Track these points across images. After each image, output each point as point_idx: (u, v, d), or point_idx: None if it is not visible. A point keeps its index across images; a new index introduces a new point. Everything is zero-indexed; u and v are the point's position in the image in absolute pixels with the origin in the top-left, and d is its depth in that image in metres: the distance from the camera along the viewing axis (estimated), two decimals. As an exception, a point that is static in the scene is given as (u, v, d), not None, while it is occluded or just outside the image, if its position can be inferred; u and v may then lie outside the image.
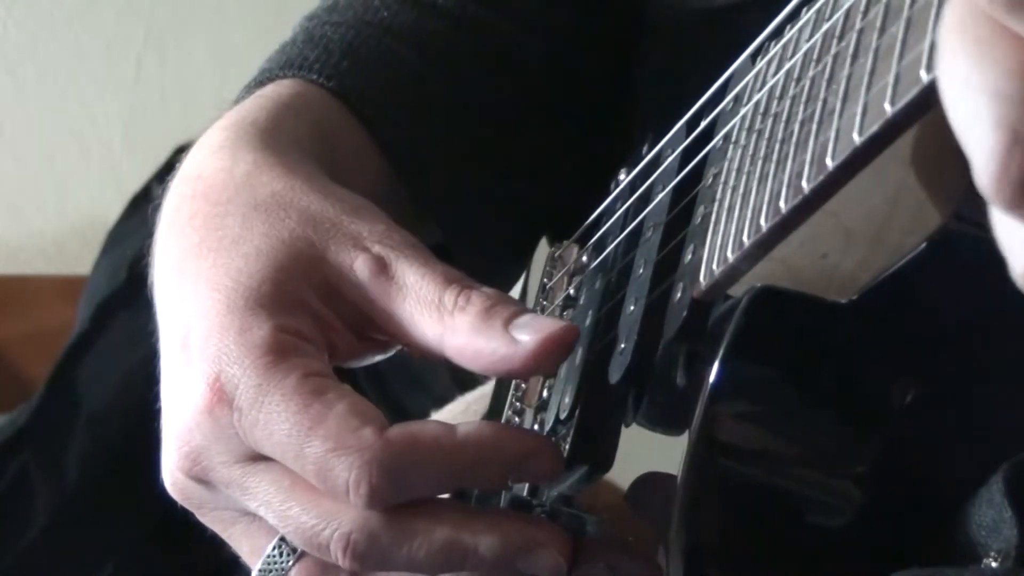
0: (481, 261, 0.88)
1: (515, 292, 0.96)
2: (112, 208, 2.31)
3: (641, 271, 0.74)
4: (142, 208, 2.22)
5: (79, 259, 2.43)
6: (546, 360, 0.71)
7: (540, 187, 0.96)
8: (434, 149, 0.89)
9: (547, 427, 0.78)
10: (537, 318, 0.72)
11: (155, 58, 2.64)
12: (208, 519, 0.77)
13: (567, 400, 0.76)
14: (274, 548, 0.74)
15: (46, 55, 2.61)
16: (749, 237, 0.60)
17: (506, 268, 0.94)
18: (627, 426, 0.72)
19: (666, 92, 0.77)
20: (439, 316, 0.72)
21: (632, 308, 0.73)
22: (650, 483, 0.69)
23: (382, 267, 0.74)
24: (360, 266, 0.74)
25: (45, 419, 2.05)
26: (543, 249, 0.95)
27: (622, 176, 0.85)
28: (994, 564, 0.60)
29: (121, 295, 2.11)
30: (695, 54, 0.74)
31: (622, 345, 0.72)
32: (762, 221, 0.59)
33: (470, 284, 0.73)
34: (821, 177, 0.54)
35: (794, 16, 0.65)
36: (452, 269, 0.74)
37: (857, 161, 0.52)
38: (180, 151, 2.47)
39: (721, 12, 0.83)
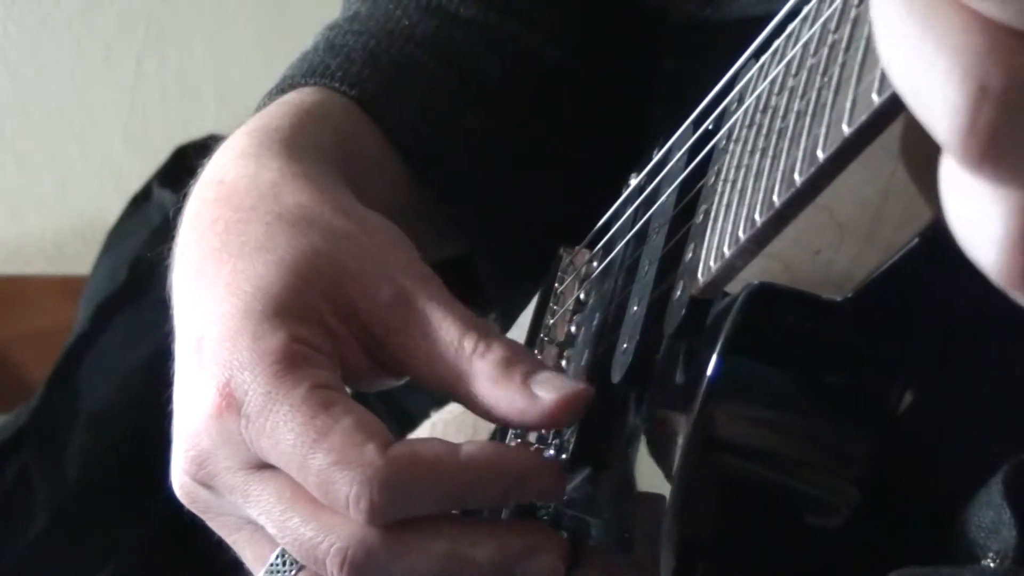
0: (503, 268, 0.88)
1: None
2: (112, 208, 2.31)
3: (646, 271, 0.74)
4: (142, 208, 2.22)
5: (79, 259, 2.43)
6: (560, 419, 0.72)
7: (560, 193, 0.96)
8: (455, 157, 0.90)
9: (552, 430, 0.78)
10: (555, 376, 0.72)
11: (155, 58, 2.64)
12: (214, 524, 0.77)
13: (572, 402, 0.76)
14: (277, 557, 0.74)
15: (46, 55, 2.61)
16: (744, 232, 0.61)
17: (527, 275, 0.94)
18: (630, 427, 0.73)
19: (681, 102, 0.77)
20: (456, 359, 0.73)
21: (635, 308, 0.73)
22: (644, 501, 0.69)
23: (404, 299, 0.74)
24: (384, 295, 0.74)
25: (45, 419, 2.05)
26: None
27: (632, 180, 0.85)
28: (992, 565, 0.60)
29: (121, 295, 2.11)
30: (710, 65, 0.74)
31: (624, 345, 0.72)
32: (757, 216, 0.59)
33: (489, 331, 0.74)
34: (812, 169, 0.54)
35: (798, 13, 0.65)
36: (472, 314, 0.75)
37: (847, 152, 0.52)
38: (180, 151, 2.47)
39: (737, 24, 0.84)
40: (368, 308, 0.74)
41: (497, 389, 0.72)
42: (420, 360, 0.74)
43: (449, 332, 0.73)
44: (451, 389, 0.73)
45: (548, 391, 0.71)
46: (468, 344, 0.73)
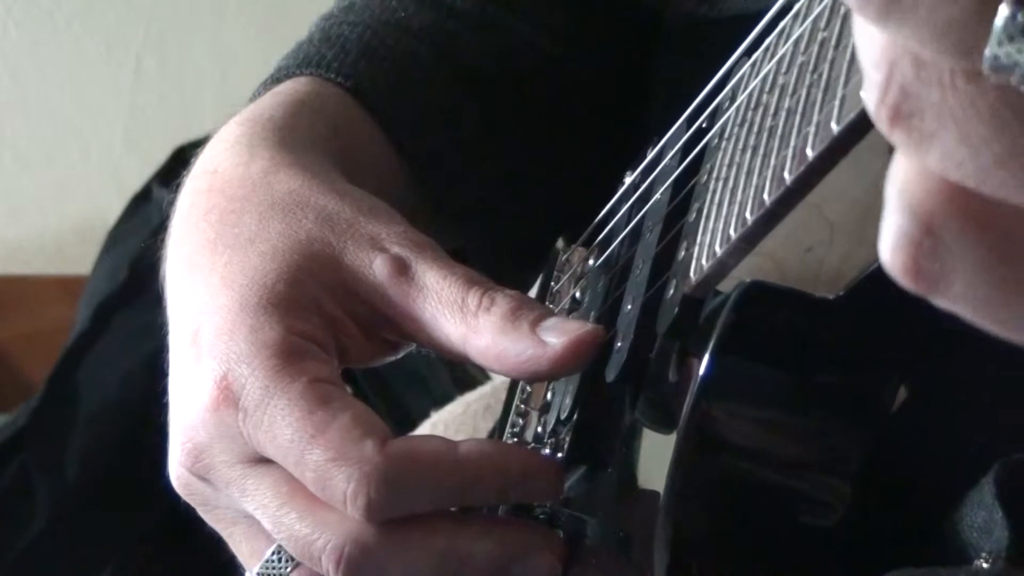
0: (497, 264, 0.88)
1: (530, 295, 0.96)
2: (112, 208, 2.31)
3: (639, 270, 0.74)
4: (142, 208, 2.23)
5: (79, 259, 2.43)
6: (573, 362, 0.71)
7: (556, 190, 0.96)
8: (450, 149, 0.89)
9: (549, 428, 0.78)
10: (564, 320, 0.72)
11: (155, 58, 2.64)
12: (211, 517, 0.76)
13: (567, 401, 0.76)
14: (273, 553, 0.73)
15: (46, 55, 2.62)
16: (736, 231, 0.61)
17: (522, 271, 0.94)
18: (626, 425, 0.73)
19: (678, 98, 0.77)
20: (462, 317, 0.72)
21: (629, 307, 0.73)
22: (640, 499, 0.69)
23: (402, 268, 0.74)
24: (379, 266, 0.74)
25: (45, 419, 2.05)
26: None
27: (627, 177, 0.85)
28: (985, 565, 0.60)
29: (121, 295, 2.11)
30: (707, 62, 0.74)
31: (619, 344, 0.72)
32: (748, 214, 0.59)
33: (492, 286, 0.73)
34: (802, 168, 0.54)
35: (790, 9, 0.65)
36: (472, 271, 0.74)
37: (837, 150, 0.52)
38: (180, 151, 2.47)
39: (733, 21, 0.83)
40: (367, 284, 0.74)
41: (506, 340, 0.71)
42: (427, 325, 0.73)
43: (452, 291, 0.73)
44: (461, 348, 0.72)
45: (557, 335, 0.71)
46: (472, 300, 0.72)
